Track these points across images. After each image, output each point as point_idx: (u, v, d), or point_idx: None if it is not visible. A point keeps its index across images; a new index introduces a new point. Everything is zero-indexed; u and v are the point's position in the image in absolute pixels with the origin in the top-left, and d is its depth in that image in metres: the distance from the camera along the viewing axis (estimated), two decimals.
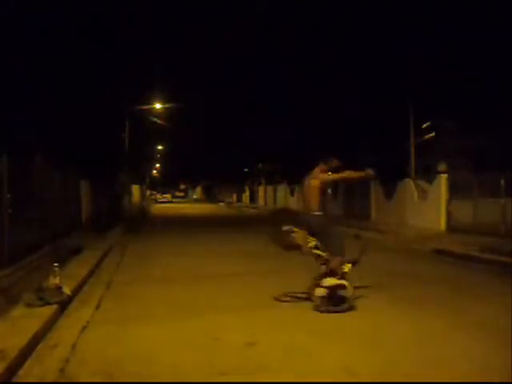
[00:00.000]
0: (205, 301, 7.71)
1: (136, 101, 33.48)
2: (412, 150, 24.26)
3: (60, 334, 5.82)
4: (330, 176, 7.49)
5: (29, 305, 6.45)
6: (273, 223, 8.22)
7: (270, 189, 49.28)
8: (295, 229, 7.41)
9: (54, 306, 6.53)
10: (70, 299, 7.27)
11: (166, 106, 37.39)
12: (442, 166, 20.68)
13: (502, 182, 15.45)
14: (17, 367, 4.62)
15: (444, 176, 18.39)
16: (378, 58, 25.94)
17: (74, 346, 5.40)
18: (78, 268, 9.77)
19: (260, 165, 56.42)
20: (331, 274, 6.99)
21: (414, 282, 9.25)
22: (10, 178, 9.54)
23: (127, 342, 5.62)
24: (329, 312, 6.67)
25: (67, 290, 7.09)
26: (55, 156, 14.57)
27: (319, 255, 7.22)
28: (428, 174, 23.42)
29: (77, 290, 7.99)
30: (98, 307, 7.24)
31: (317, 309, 6.77)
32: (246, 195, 63.48)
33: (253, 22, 30.66)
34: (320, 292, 6.79)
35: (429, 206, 18.78)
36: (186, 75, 34.28)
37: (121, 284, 9.09)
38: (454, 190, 17.77)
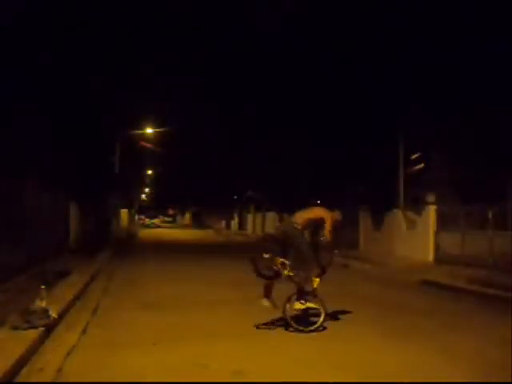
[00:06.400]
0: (192, 327, 7.67)
1: (127, 125, 33.62)
2: (401, 180, 24.39)
3: (46, 358, 5.75)
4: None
5: (15, 327, 6.37)
6: (257, 249, 8.33)
7: (258, 216, 49.26)
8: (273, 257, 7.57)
9: (40, 330, 6.46)
10: (57, 323, 7.20)
11: (157, 130, 37.53)
12: (430, 197, 20.79)
13: (490, 214, 15.57)
14: None
15: (433, 207, 18.55)
16: (366, 91, 26.20)
17: (59, 370, 5.34)
18: (65, 291, 9.68)
19: (250, 192, 56.36)
20: (300, 293, 7.37)
21: (401, 312, 9.26)
22: None
23: (113, 367, 5.57)
24: (298, 331, 7.11)
25: (54, 314, 7.03)
26: (44, 178, 14.53)
27: (290, 276, 7.46)
28: (416, 204, 23.54)
29: (63, 314, 7.91)
30: (84, 331, 7.16)
31: (288, 328, 7.25)
32: (235, 222, 63.36)
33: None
34: (292, 313, 7.32)
35: (417, 237, 18.87)
36: (175, 100, 34.31)
37: (108, 309, 9.01)
38: (443, 221, 17.90)
